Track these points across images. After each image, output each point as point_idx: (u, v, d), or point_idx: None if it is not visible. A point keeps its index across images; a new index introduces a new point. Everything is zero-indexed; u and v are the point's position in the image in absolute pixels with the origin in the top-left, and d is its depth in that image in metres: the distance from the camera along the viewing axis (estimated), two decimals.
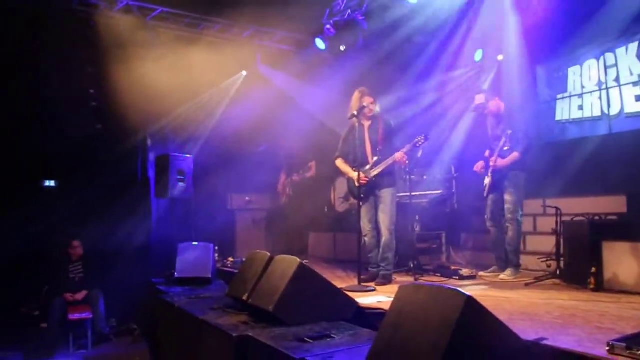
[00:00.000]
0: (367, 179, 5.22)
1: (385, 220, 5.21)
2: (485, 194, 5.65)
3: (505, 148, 5.32)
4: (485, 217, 5.70)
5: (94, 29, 6.91)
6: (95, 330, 6.63)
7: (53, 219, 6.67)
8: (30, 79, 6.70)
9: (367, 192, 5.28)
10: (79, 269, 6.92)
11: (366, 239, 5.38)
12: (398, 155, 5.17)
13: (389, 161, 5.21)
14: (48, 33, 6.64)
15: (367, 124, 5.42)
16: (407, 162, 5.29)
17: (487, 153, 5.66)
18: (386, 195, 5.23)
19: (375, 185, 5.26)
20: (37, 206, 6.75)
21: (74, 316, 6.44)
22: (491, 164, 5.44)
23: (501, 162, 5.37)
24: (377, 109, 5.42)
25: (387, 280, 5.11)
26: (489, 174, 5.52)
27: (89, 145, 7.30)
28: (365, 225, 5.33)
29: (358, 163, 5.21)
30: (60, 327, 6.44)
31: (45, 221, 6.62)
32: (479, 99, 5.73)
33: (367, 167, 5.29)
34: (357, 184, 5.21)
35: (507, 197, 5.40)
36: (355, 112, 5.14)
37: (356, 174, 5.19)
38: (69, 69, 6.90)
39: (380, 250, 5.24)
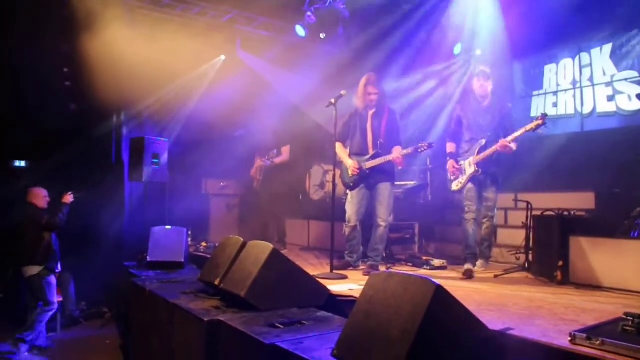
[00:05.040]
0: (358, 170, 5.18)
1: (382, 212, 5.17)
2: (464, 183, 5.22)
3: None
4: (468, 209, 5.22)
5: (68, 6, 6.72)
6: (65, 313, 6.53)
7: (23, 199, 6.51)
8: (0, 56, 6.50)
9: (357, 182, 5.24)
10: None
11: (347, 228, 5.34)
12: (395, 156, 5.03)
13: (385, 159, 5.11)
14: (19, 9, 6.43)
15: (371, 112, 5.34)
16: (402, 164, 5.16)
17: (483, 142, 5.09)
18: (385, 188, 5.18)
19: (373, 178, 5.20)
20: (6, 187, 6.58)
21: None
22: (498, 147, 4.90)
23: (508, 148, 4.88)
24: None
25: (374, 270, 5.08)
26: (474, 164, 5.11)
27: (62, 125, 7.10)
28: (352, 215, 5.28)
29: (354, 151, 5.24)
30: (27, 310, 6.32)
31: (14, 202, 6.47)
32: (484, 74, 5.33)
33: (366, 157, 5.24)
34: (349, 173, 5.23)
35: (489, 195, 5.25)
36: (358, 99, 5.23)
37: (351, 162, 5.20)
38: (41, 46, 6.66)
39: (373, 240, 5.22)
